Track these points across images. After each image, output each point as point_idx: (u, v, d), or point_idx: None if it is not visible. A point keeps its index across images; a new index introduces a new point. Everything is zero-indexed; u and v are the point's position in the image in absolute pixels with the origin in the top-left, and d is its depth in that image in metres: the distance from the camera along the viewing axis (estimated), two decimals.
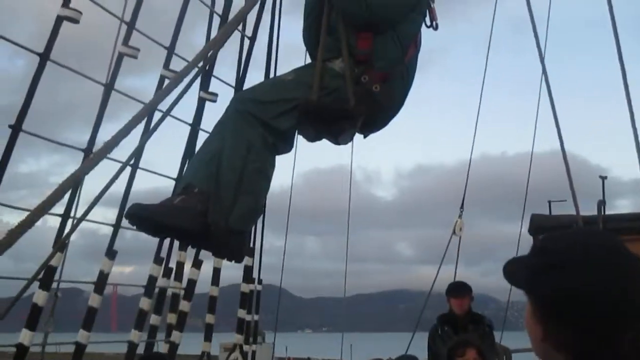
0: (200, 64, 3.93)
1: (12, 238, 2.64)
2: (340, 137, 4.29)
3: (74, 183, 2.62)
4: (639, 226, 7.91)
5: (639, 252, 1.70)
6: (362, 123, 4.24)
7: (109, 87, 5.18)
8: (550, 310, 1.65)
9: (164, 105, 4.70)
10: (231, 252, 4.26)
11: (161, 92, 3.14)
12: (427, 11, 4.43)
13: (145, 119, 5.15)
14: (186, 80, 3.46)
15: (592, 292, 1.59)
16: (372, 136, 4.60)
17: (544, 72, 6.46)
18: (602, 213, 8.55)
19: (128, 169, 5.74)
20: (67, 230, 5.34)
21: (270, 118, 4.08)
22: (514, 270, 1.77)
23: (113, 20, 5.10)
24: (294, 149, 4.43)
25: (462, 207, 10.08)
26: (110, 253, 5.79)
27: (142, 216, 3.95)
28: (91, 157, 2.77)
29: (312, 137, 4.32)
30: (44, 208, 2.77)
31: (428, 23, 4.43)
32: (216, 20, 6.45)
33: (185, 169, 4.57)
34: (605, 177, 9.48)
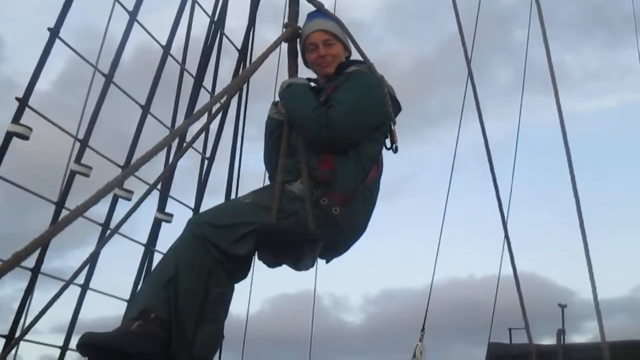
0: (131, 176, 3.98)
1: None
2: (300, 262, 4.14)
3: None
4: (597, 356, 7.93)
5: None
6: (323, 247, 4.11)
7: (59, 206, 5.11)
8: None
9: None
10: None
11: (89, 200, 3.16)
12: (389, 133, 4.37)
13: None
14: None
15: None
16: (341, 262, 4.40)
17: (500, 209, 6.29)
18: (562, 342, 8.56)
19: (78, 292, 5.62)
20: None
21: (227, 243, 3.96)
22: None
23: (66, 138, 5.06)
24: (250, 273, 4.24)
25: (422, 330, 9.86)
26: None
27: (98, 345, 3.68)
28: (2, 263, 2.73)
29: (272, 263, 4.17)
30: None
31: (388, 145, 4.37)
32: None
33: (137, 291, 4.42)
34: (565, 306, 9.50)
